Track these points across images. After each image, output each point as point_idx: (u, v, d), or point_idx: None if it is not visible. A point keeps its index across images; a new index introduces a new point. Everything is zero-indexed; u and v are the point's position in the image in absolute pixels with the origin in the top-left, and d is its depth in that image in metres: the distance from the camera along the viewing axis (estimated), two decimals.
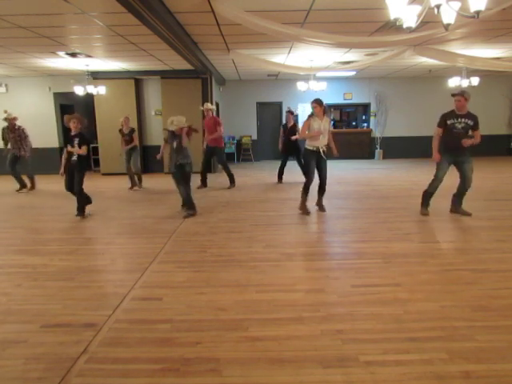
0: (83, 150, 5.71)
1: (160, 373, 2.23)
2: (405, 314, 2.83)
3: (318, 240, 4.70)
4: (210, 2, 4.74)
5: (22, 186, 8.32)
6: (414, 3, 3.43)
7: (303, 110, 13.25)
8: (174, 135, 5.81)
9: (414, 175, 8.96)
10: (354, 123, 14.92)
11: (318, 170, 5.85)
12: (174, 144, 5.80)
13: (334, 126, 14.06)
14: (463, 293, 3.17)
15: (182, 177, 5.88)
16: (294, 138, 8.28)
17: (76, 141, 5.70)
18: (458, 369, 2.20)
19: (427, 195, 5.74)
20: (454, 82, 10.75)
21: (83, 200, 5.91)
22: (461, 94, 5.23)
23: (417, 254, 4.10)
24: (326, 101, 12.88)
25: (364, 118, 13.98)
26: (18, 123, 8.19)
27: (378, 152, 13.20)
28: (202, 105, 8.74)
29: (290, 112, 8.71)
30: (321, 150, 5.73)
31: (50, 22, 5.31)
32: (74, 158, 5.77)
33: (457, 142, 5.28)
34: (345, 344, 2.46)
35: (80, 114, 5.81)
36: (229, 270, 3.74)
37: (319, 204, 6.09)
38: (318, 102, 5.70)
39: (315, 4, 4.88)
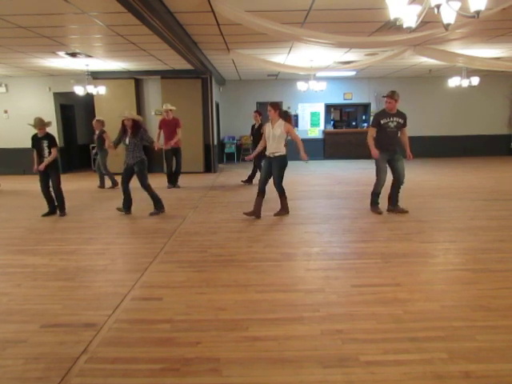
0: (54, 155, 5.87)
1: (160, 373, 2.23)
2: (405, 314, 2.83)
3: (317, 240, 4.70)
4: (209, 2, 4.74)
5: None
6: (414, 3, 3.42)
7: (303, 110, 13.29)
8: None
9: (415, 175, 8.95)
10: (354, 123, 14.92)
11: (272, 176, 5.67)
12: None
13: (334, 126, 14.09)
14: (463, 293, 3.18)
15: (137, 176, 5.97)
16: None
17: (45, 143, 5.85)
18: (458, 369, 2.20)
19: (375, 195, 5.88)
20: (454, 82, 10.75)
21: (63, 198, 6.09)
22: (391, 96, 5.49)
23: (417, 254, 4.10)
24: (326, 101, 13.15)
25: (364, 117, 13.98)
26: None
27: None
28: (162, 105, 8.63)
29: (258, 112, 8.71)
30: (271, 157, 5.55)
31: (50, 22, 5.31)
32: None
33: (391, 141, 5.59)
34: (345, 344, 2.46)
35: (41, 118, 5.86)
36: (229, 270, 3.74)
37: (256, 211, 5.74)
38: (272, 106, 5.48)
39: (315, 4, 4.87)
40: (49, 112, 10.80)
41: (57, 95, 10.91)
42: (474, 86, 10.67)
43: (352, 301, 3.06)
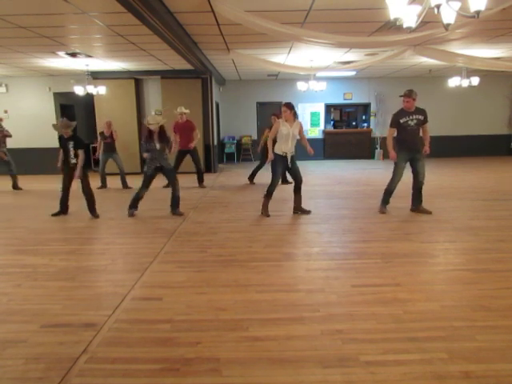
0: (81, 158, 5.72)
1: (160, 373, 2.23)
2: (405, 314, 2.83)
3: (318, 240, 4.70)
4: (209, 2, 4.73)
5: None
6: (414, 3, 3.42)
7: (303, 110, 13.28)
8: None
9: None
10: (354, 123, 14.91)
11: (291, 173, 5.80)
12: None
13: (334, 126, 14.09)
14: (463, 293, 3.18)
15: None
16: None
17: (71, 144, 5.74)
18: (458, 369, 2.19)
19: (387, 193, 5.84)
20: (454, 82, 10.75)
21: (94, 200, 5.96)
22: (408, 95, 5.44)
23: (417, 254, 4.10)
24: (326, 101, 13.16)
25: (364, 117, 13.98)
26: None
27: (378, 152, 13.19)
28: (176, 108, 8.52)
29: (276, 115, 8.54)
30: (288, 156, 5.60)
31: (50, 22, 5.31)
32: (74, 161, 5.78)
33: (413, 139, 5.51)
34: (345, 344, 2.46)
35: (65, 120, 5.79)
36: (229, 270, 3.74)
37: (299, 208, 5.88)
38: (288, 106, 5.57)
39: (315, 4, 4.87)
40: (49, 112, 10.82)
41: (57, 95, 10.90)
42: (474, 86, 10.67)
43: (352, 301, 3.06)
